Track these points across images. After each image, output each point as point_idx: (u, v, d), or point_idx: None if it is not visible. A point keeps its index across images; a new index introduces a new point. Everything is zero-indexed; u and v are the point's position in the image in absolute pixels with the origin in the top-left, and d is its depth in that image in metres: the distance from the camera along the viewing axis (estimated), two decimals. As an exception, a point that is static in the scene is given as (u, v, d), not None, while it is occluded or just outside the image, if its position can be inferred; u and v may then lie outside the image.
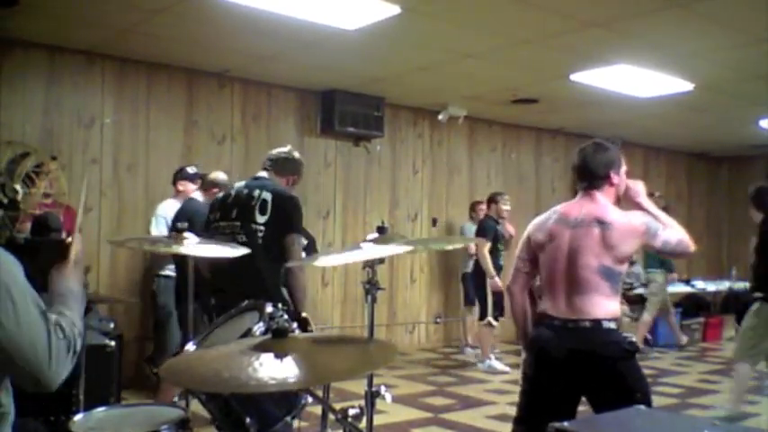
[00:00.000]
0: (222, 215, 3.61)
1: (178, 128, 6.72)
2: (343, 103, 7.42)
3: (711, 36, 5.50)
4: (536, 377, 2.77)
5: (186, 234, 2.80)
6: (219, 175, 5.18)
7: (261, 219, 3.47)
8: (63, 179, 5.87)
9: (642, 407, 2.14)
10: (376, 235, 2.45)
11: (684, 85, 6.96)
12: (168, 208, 5.34)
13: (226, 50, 6.14)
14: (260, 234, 3.45)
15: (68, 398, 3.30)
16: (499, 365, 7.05)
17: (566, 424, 1.71)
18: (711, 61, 6.20)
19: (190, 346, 2.47)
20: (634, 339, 2.73)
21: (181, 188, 5.48)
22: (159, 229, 5.37)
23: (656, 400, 5.69)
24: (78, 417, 2.29)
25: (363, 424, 2.14)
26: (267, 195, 3.52)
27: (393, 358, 1.75)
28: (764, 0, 4.65)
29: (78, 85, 6.18)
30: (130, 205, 6.41)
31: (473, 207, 8.33)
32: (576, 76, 6.71)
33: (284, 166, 3.77)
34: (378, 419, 2.34)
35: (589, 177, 2.76)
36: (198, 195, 5.12)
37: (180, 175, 5.56)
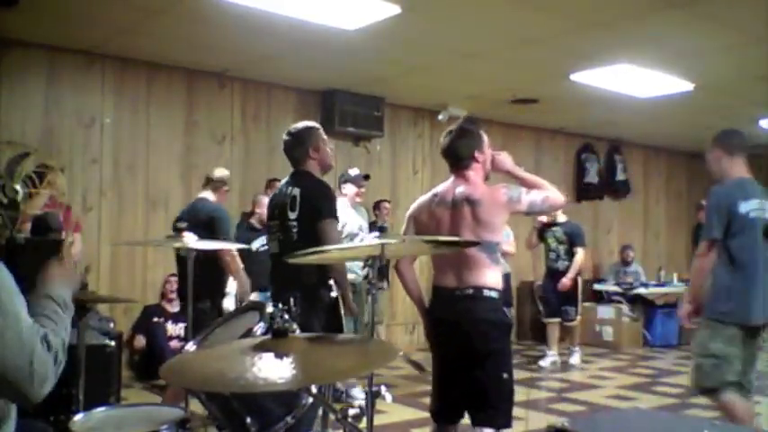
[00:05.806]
0: (270, 215, 3.78)
1: (178, 128, 6.72)
2: (343, 103, 7.42)
3: (711, 36, 5.50)
4: (434, 342, 3.11)
5: (185, 233, 2.81)
6: (225, 172, 4.97)
7: (292, 215, 3.61)
8: (64, 181, 5.86)
9: (642, 407, 2.15)
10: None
11: (684, 85, 6.97)
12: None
13: (226, 50, 6.14)
14: (294, 230, 3.59)
15: (68, 398, 3.29)
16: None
17: (566, 424, 1.70)
18: (711, 61, 6.20)
19: (190, 346, 2.47)
20: (510, 322, 3.04)
21: (344, 191, 5.57)
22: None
23: (657, 400, 5.74)
24: (78, 417, 2.28)
25: (364, 424, 2.14)
26: (296, 191, 3.67)
27: (393, 358, 1.74)
28: (764, 0, 4.65)
29: (78, 85, 6.18)
30: (130, 205, 6.41)
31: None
32: (576, 76, 6.71)
33: (301, 150, 3.84)
34: (378, 419, 2.34)
35: (458, 160, 3.16)
36: (209, 195, 4.88)
37: (342, 179, 5.68)
